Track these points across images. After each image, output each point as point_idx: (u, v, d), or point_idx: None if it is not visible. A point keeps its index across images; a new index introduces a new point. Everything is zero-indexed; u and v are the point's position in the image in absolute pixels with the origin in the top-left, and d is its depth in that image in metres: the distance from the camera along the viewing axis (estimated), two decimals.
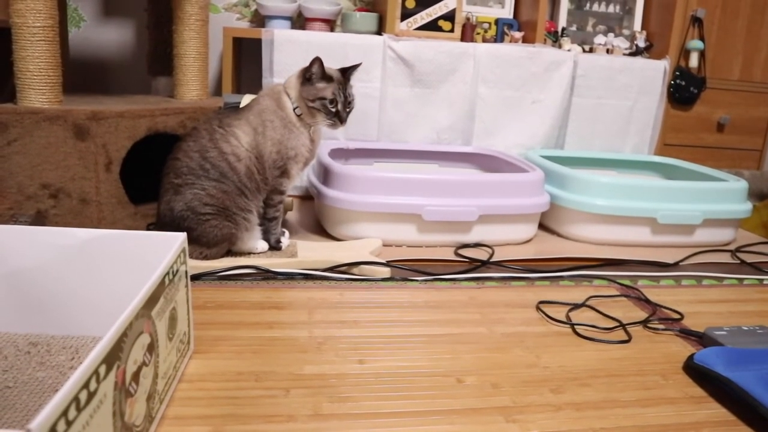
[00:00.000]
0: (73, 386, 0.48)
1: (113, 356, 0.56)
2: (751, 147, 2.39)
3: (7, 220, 1.23)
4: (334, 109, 1.25)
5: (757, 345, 0.99)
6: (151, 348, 0.68)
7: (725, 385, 0.87)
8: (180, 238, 0.83)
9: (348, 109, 1.28)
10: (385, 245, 1.45)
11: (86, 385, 0.51)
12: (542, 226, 1.66)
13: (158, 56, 1.76)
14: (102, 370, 0.54)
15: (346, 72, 1.28)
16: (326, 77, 1.25)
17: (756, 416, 0.81)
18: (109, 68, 2.11)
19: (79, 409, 0.49)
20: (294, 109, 1.27)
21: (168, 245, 0.81)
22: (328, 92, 1.24)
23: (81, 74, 2.06)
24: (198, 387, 0.82)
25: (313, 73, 1.25)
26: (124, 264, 0.86)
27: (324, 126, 1.28)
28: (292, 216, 1.67)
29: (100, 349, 0.53)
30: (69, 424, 0.47)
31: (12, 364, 0.82)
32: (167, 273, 0.75)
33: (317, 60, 1.24)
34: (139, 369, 0.64)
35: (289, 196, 1.52)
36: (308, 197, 1.75)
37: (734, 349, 0.96)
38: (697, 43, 2.23)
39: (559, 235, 1.66)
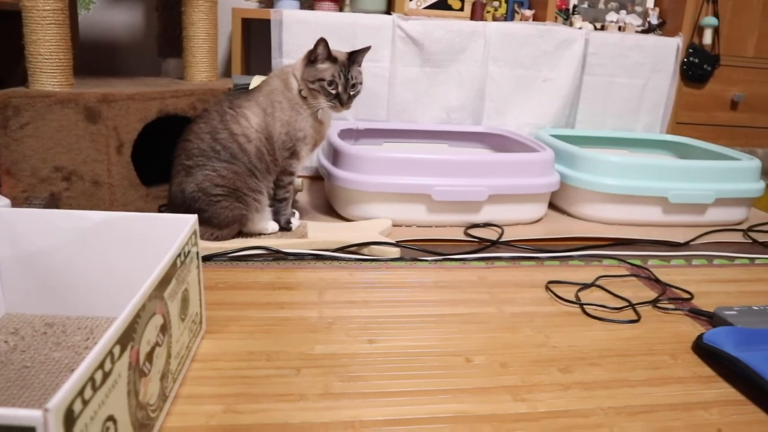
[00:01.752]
0: (88, 366, 0.49)
1: (127, 337, 0.57)
2: (765, 125, 2.35)
3: (21, 203, 1.25)
4: (334, 91, 1.24)
5: (767, 325, 0.99)
6: (164, 329, 0.70)
7: (734, 365, 0.87)
8: (191, 220, 0.84)
9: (351, 92, 1.26)
10: (394, 225, 1.46)
11: (101, 366, 0.52)
12: (552, 206, 1.66)
13: (168, 38, 1.76)
14: (116, 350, 0.55)
15: (354, 55, 1.27)
16: (331, 58, 1.24)
17: (765, 396, 0.81)
18: (119, 50, 2.11)
19: (94, 389, 0.50)
20: (300, 91, 1.27)
21: (179, 227, 0.82)
22: (328, 74, 1.23)
23: (91, 57, 2.06)
24: (210, 366, 0.83)
25: (318, 54, 1.24)
26: (136, 246, 0.87)
27: (326, 108, 1.27)
28: (302, 196, 1.68)
29: (114, 330, 0.55)
30: (85, 403, 0.49)
31: (29, 344, 0.83)
32: (179, 255, 0.76)
33: (322, 41, 1.23)
34: (153, 349, 0.65)
35: (300, 176, 1.52)
36: (319, 178, 1.76)
37: (744, 329, 0.96)
38: (711, 20, 2.19)
39: (569, 214, 1.66)
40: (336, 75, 1.23)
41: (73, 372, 0.48)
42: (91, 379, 0.50)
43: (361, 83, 1.29)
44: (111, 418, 0.54)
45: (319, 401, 0.77)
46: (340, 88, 1.24)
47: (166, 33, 1.76)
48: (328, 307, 1.03)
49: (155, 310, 0.66)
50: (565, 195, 1.64)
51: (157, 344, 0.67)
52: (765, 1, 2.24)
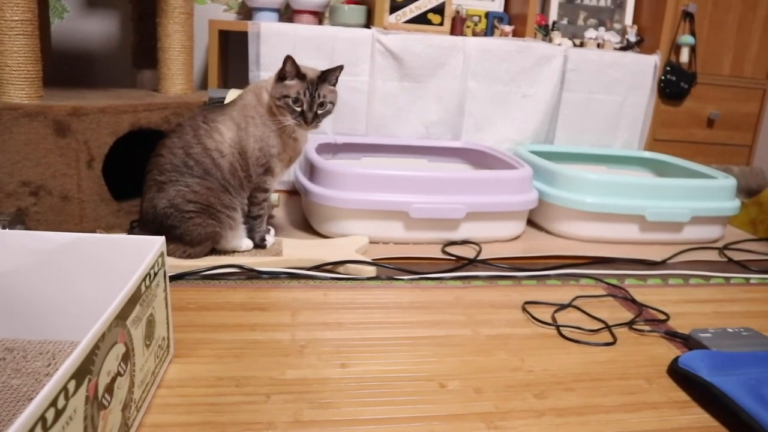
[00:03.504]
0: (38, 405, 0.47)
1: (83, 371, 0.55)
2: (740, 143, 2.38)
3: None
4: (299, 109, 1.21)
5: (742, 348, 0.99)
6: (126, 357, 0.67)
7: (708, 390, 0.87)
8: (158, 242, 0.81)
9: (317, 111, 1.23)
10: (372, 242, 1.44)
11: (54, 403, 0.49)
12: (531, 223, 1.66)
13: (143, 49, 1.73)
14: (71, 385, 0.52)
15: (325, 73, 1.25)
16: (300, 76, 1.22)
17: (738, 422, 0.81)
18: (94, 60, 2.07)
19: (46, 428, 0.48)
20: (270, 107, 1.25)
21: (146, 249, 0.80)
22: (293, 91, 1.21)
23: (65, 66, 2.03)
24: (177, 393, 0.80)
25: (286, 72, 1.22)
26: (101, 268, 0.85)
27: (292, 125, 1.23)
28: (279, 212, 1.66)
29: (69, 364, 0.52)
30: None
31: None
32: (144, 279, 0.74)
33: (288, 58, 1.20)
34: (113, 380, 0.63)
35: (277, 191, 1.50)
36: (296, 192, 1.73)
37: (718, 352, 0.95)
38: (688, 38, 2.22)
39: (547, 232, 1.65)
40: (301, 92, 1.21)
41: (31, 401, 0.46)
42: (42, 418, 0.48)
43: (332, 102, 1.26)
44: None
45: (288, 430, 0.75)
46: (305, 106, 1.21)
47: (142, 44, 1.73)
48: (300, 329, 1.01)
49: (116, 339, 0.64)
50: (543, 212, 1.63)
51: (118, 374, 0.65)
52: (740, 20, 2.27)
